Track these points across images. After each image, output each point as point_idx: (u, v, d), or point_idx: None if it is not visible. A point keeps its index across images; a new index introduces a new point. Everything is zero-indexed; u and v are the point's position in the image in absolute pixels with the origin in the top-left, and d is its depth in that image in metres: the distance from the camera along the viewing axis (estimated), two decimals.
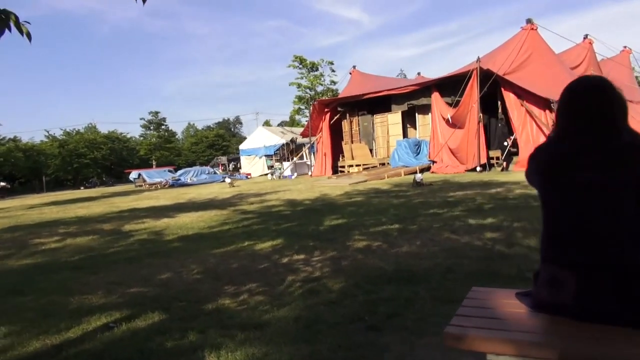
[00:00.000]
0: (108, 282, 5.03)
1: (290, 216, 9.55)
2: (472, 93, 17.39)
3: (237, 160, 58.46)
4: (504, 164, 17.05)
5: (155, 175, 30.33)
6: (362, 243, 5.86)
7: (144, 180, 29.86)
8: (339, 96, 24.61)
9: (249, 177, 30.57)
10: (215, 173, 31.28)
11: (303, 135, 27.47)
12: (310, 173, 24.29)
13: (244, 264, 5.29)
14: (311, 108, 24.51)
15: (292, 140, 31.43)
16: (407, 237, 6.06)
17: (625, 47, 25.82)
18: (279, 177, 25.98)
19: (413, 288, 3.77)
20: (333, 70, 33.79)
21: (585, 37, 22.54)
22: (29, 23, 2.64)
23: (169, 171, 33.12)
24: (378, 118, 23.25)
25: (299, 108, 35.44)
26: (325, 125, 24.60)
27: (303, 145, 34.19)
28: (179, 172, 30.63)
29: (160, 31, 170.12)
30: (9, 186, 52.03)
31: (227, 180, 22.09)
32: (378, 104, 23.36)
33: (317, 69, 33.80)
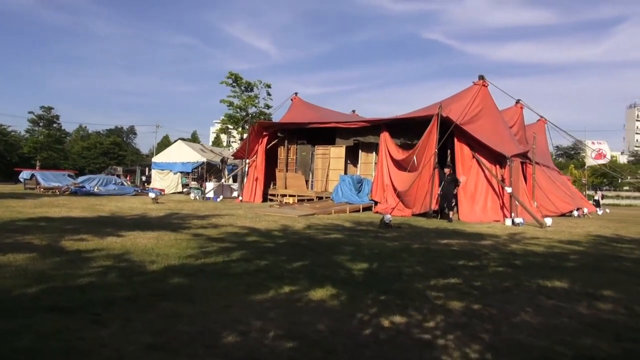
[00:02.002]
0: (139, 343, 3.32)
1: (281, 250, 8.08)
2: (431, 138, 17.26)
3: (132, 172, 54.14)
4: (450, 213, 16.91)
5: (52, 178, 26.22)
6: (457, 303, 4.71)
7: (38, 183, 25.64)
8: (281, 121, 23.42)
9: (163, 193, 27.75)
10: (122, 184, 27.96)
11: (235, 156, 25.66)
12: (240, 197, 22.48)
13: (332, 327, 3.86)
14: (250, 129, 22.94)
15: (223, 160, 29.33)
16: (500, 299, 5.03)
17: (541, 117, 28.06)
18: (202, 198, 23.78)
19: None
20: (269, 94, 32.54)
21: (518, 101, 23.98)
22: None
23: (69, 176, 28.99)
24: (320, 149, 22.39)
25: (226, 127, 33.34)
26: (261, 149, 23.17)
27: (221, 166, 32.27)
28: (81, 178, 26.86)
29: (56, 23, 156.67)
30: None
31: (152, 194, 19.51)
32: (320, 134, 22.59)
33: (252, 90, 32.32)
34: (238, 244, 8.60)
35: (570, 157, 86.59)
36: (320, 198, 21.31)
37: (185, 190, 29.30)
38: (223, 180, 26.32)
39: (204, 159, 30.26)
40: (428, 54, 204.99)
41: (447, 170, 17.32)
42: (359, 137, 21.04)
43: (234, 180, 32.02)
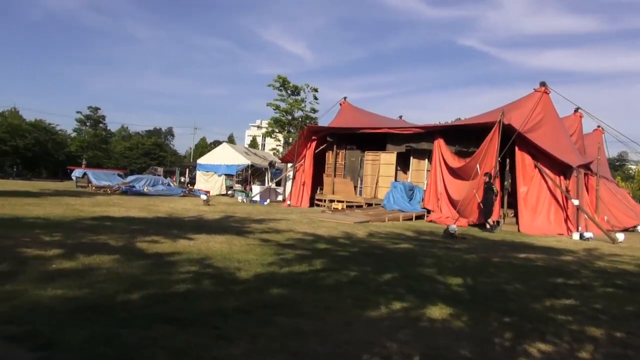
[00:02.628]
0: None
1: (360, 260, 7.74)
2: (492, 146, 16.65)
3: (172, 173, 54.91)
4: (488, 223, 16.10)
5: (103, 177, 26.72)
6: (595, 330, 4.26)
7: (89, 181, 26.14)
8: (329, 125, 23.15)
9: (208, 194, 27.87)
10: (169, 185, 28.24)
11: (283, 160, 25.55)
12: (288, 202, 22.28)
13: (477, 353, 3.49)
14: (299, 133, 22.78)
15: (271, 164, 29.32)
16: (638, 326, 4.55)
17: (598, 126, 26.84)
18: (249, 201, 23.73)
19: None
20: (316, 98, 32.39)
21: (577, 110, 23.01)
22: None
23: (119, 175, 29.52)
24: (370, 155, 22.00)
25: (272, 130, 33.36)
26: (309, 153, 22.94)
27: (265, 170, 32.28)
28: (130, 178, 27.27)
29: (97, 26, 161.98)
30: None
31: (203, 197, 19.54)
32: (370, 140, 22.20)
33: (298, 93, 32.20)
34: (312, 252, 8.31)
35: (615, 168, 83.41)
36: (369, 205, 20.90)
37: (230, 192, 29.37)
38: (271, 184, 26.21)
39: (249, 162, 30.28)
40: (463, 61, 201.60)
41: (484, 179, 16.69)
42: (411, 143, 20.55)
43: (277, 184, 31.98)
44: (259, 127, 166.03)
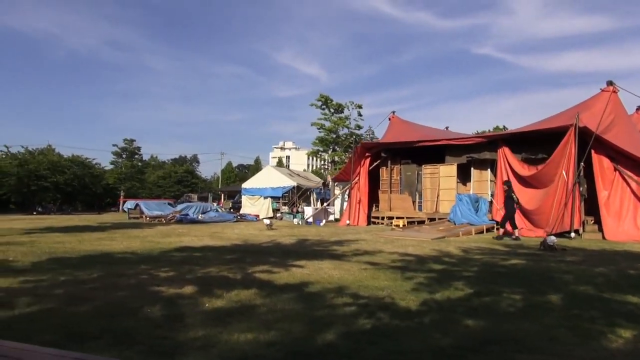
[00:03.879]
0: None
1: (494, 280, 7.16)
2: (567, 151, 15.93)
3: (204, 198, 55.12)
4: (515, 232, 15.46)
5: (155, 207, 26.70)
6: None
7: (142, 212, 26.13)
8: (382, 141, 22.72)
9: (258, 218, 27.62)
10: (217, 211, 28.05)
11: (337, 179, 25.16)
12: (347, 221, 21.76)
13: None
14: (353, 150, 22.39)
15: (325, 184, 28.98)
16: None
17: None
18: (304, 222, 23.31)
19: None
20: (360, 114, 32.00)
21: (638, 108, 22.15)
22: None
23: (169, 204, 29.53)
24: (428, 169, 21.43)
25: (317, 150, 33.06)
26: (364, 170, 22.49)
27: (310, 190, 31.91)
28: (180, 206, 27.20)
29: (116, 61, 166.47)
30: None
31: (267, 222, 19.18)
32: (425, 153, 21.65)
33: (342, 111, 31.92)
34: (437, 273, 7.77)
35: None
36: (432, 219, 20.28)
37: (279, 215, 29.04)
38: (326, 204, 25.79)
39: (294, 183, 29.97)
40: (479, 69, 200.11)
41: (504, 187, 16.51)
42: (472, 153, 19.93)
43: (322, 204, 31.53)
44: (282, 148, 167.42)
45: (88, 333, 4.14)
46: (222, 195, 61.46)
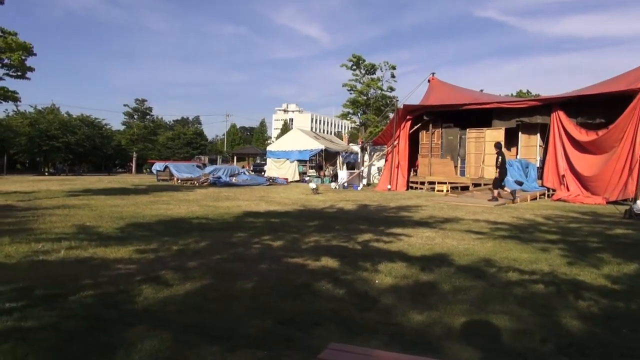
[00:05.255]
0: None
1: (627, 252, 6.65)
2: (635, 115, 15.25)
3: (213, 160, 54.46)
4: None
5: (185, 169, 26.05)
6: None
7: (171, 175, 25.52)
8: (422, 103, 21.91)
9: (287, 182, 27.11)
10: (244, 174, 27.43)
11: (376, 142, 24.46)
12: (388, 186, 21.19)
13: None
14: (394, 113, 21.62)
15: (363, 147, 28.28)
16: None
17: None
18: (342, 186, 22.78)
19: None
20: (393, 76, 30.80)
21: None
22: None
23: (197, 166, 28.86)
24: (473, 133, 20.74)
25: (348, 112, 32.09)
26: (404, 134, 21.81)
27: (338, 153, 31.26)
28: (209, 168, 26.57)
29: (114, 19, 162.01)
30: None
31: (312, 185, 18.62)
32: (469, 117, 20.93)
33: (374, 72, 30.73)
34: (560, 243, 7.25)
35: None
36: (477, 185, 19.75)
37: (307, 178, 28.48)
38: (363, 169, 25.20)
39: (322, 146, 29.26)
40: (482, 33, 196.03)
41: (495, 150, 16.10)
42: (523, 117, 19.22)
43: (351, 169, 30.98)
44: (285, 111, 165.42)
45: (298, 317, 3.62)
46: (233, 157, 60.79)
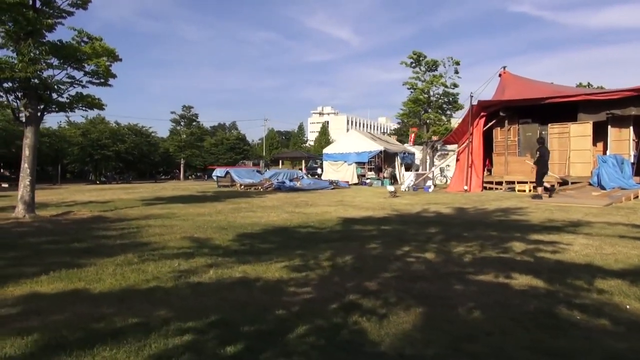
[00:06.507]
0: None
1: None
2: None
3: (257, 165, 54.17)
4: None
5: (245, 175, 25.59)
6: None
7: (232, 180, 25.13)
8: (496, 99, 20.68)
9: (349, 184, 26.31)
10: (303, 177, 26.75)
11: (447, 142, 23.39)
12: (465, 187, 20.05)
13: None
14: (468, 110, 20.49)
15: (433, 147, 27.30)
16: None
17: None
18: (413, 189, 21.78)
19: None
20: (457, 72, 29.46)
21: None
22: None
23: (257, 171, 28.42)
24: (555, 128, 19.40)
25: (409, 111, 31.00)
26: (477, 132, 20.65)
27: (396, 154, 30.26)
28: (268, 173, 26.07)
29: (150, 31, 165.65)
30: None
31: (391, 188, 17.75)
32: (549, 111, 19.60)
33: (436, 69, 29.56)
34: None
35: None
36: (563, 183, 18.43)
37: (367, 181, 27.60)
38: (432, 169, 24.16)
39: (381, 147, 28.31)
40: (516, 29, 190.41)
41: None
42: (614, 109, 17.79)
43: (408, 170, 29.91)
44: (320, 114, 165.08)
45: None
46: (278, 161, 60.52)
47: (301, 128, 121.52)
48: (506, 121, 20.54)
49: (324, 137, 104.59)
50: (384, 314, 3.67)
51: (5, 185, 33.14)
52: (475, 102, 20.31)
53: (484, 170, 21.21)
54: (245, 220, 10.33)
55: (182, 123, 53.65)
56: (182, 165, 53.50)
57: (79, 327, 3.35)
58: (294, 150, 74.34)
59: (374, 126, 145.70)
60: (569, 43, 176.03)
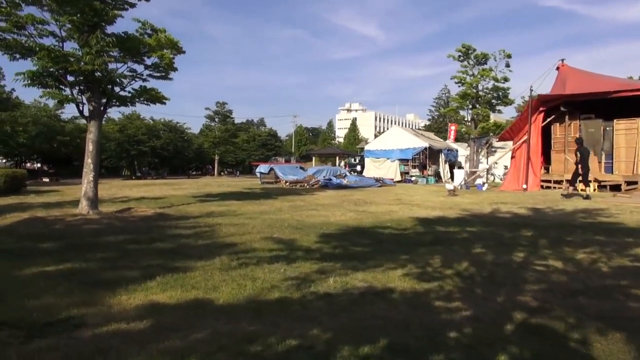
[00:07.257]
0: None
1: None
2: None
3: (288, 162, 53.81)
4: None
5: (289, 171, 25.18)
6: None
7: (277, 177, 24.76)
8: (552, 93, 19.66)
9: (393, 182, 25.64)
10: (346, 175, 26.17)
11: (502, 138, 22.48)
12: (524, 185, 19.07)
13: None
14: (526, 105, 19.57)
15: (488, 143, 26.44)
16: None
17: None
18: (465, 187, 20.99)
19: None
20: (508, 65, 28.30)
21: None
22: None
23: (301, 168, 28.01)
24: (622, 124, 18.30)
25: (456, 106, 30.06)
26: (535, 127, 19.67)
27: (440, 151, 29.42)
28: (311, 170, 25.60)
29: (178, 30, 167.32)
30: (51, 170, 47.20)
31: (449, 186, 17.04)
32: (613, 106, 18.51)
33: (485, 62, 28.48)
34: None
35: None
36: (631, 183, 17.38)
37: (413, 179, 26.85)
38: (487, 167, 23.30)
39: (426, 144, 27.51)
40: (547, 23, 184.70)
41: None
42: None
43: (452, 167, 29.04)
44: (348, 110, 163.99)
45: None
46: (311, 157, 59.99)
47: (330, 125, 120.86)
48: (567, 117, 19.53)
49: (353, 133, 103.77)
50: (580, 339, 3.09)
51: (46, 179, 33.50)
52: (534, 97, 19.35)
53: (541, 168, 20.25)
54: (313, 220, 9.85)
55: (216, 119, 53.70)
56: (216, 161, 53.57)
57: (234, 350, 2.87)
58: (324, 147, 73.82)
59: (402, 123, 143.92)
60: (601, 37, 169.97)
